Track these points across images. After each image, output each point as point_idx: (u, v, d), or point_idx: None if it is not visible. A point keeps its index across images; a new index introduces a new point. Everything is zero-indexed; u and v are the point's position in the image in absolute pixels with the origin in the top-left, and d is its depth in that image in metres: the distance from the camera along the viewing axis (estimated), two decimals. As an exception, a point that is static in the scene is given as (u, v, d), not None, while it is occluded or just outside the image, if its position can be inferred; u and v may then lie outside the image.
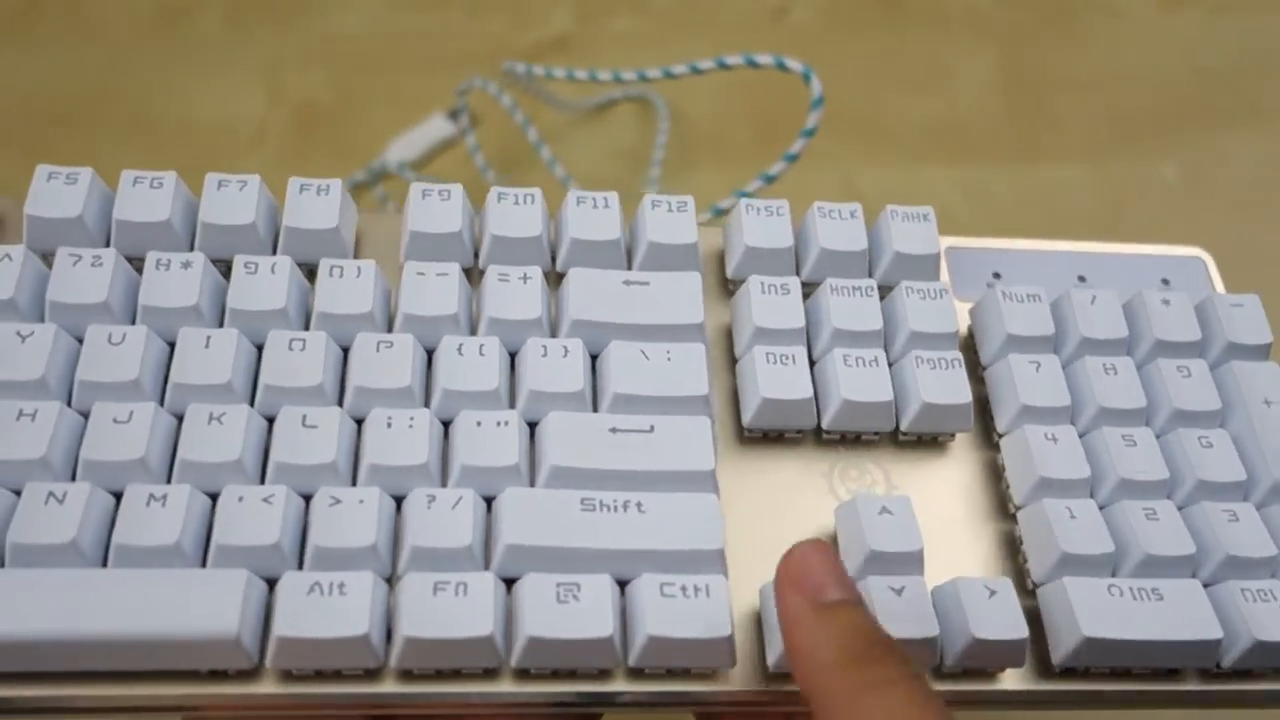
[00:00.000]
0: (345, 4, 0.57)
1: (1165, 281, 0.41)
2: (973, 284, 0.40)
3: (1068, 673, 0.32)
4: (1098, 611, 0.31)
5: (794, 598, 0.27)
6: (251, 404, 0.32)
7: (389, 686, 0.30)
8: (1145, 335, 0.37)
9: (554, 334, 0.35)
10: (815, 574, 0.27)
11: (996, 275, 0.40)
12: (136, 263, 0.34)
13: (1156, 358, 0.36)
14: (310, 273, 0.35)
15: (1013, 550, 0.34)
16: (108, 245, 0.34)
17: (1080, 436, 0.35)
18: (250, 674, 0.29)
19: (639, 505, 0.31)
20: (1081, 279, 0.40)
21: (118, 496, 0.30)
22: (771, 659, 0.30)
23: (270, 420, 0.32)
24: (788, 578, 0.28)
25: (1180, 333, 0.37)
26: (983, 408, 0.36)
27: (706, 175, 0.51)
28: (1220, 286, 0.41)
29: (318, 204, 0.35)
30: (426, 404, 0.33)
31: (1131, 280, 0.40)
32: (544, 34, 0.56)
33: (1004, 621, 0.30)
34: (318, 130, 0.53)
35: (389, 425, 0.32)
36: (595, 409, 0.34)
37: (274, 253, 0.35)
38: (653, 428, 0.33)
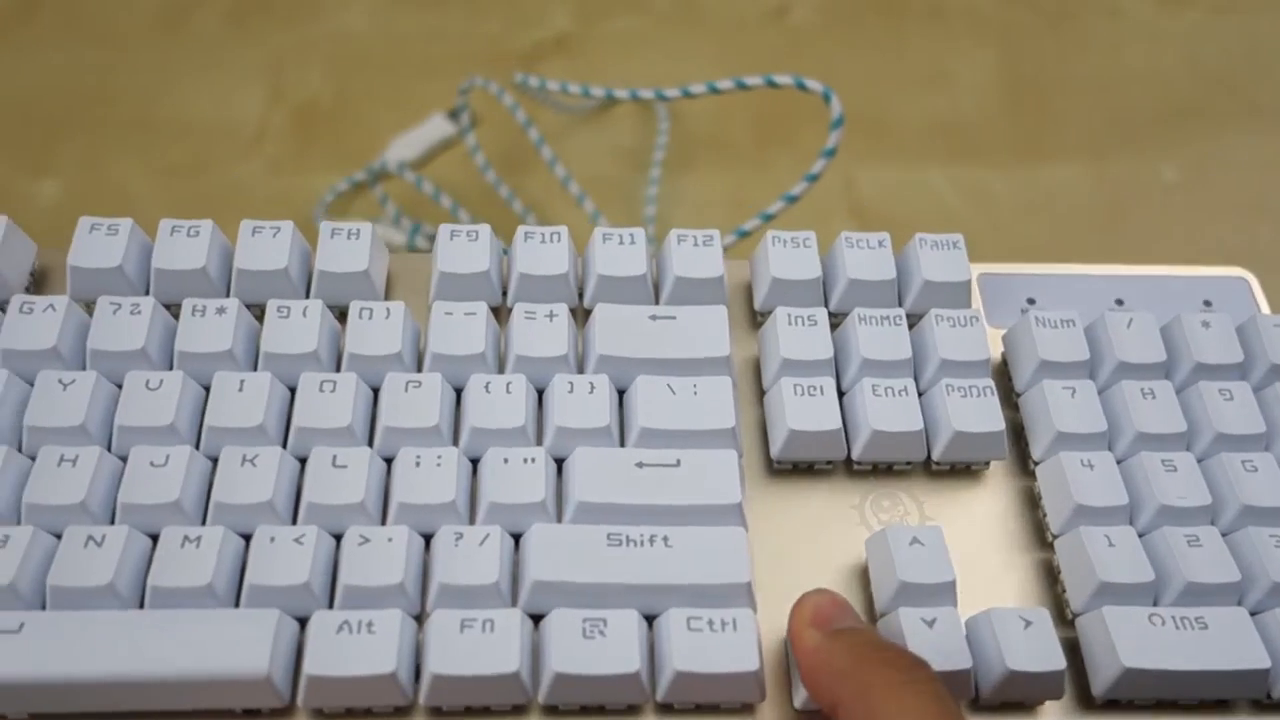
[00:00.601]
0: (345, 4, 0.57)
1: (1207, 303, 0.40)
2: (1006, 311, 0.39)
3: (1110, 705, 0.31)
4: (1138, 642, 0.30)
5: (807, 630, 0.29)
6: (284, 445, 0.33)
7: (421, 724, 0.30)
8: (1184, 358, 0.36)
9: (581, 370, 0.35)
10: (826, 610, 0.29)
11: (1031, 301, 0.39)
12: (175, 309, 0.35)
13: (1197, 381, 0.35)
14: (342, 315, 0.36)
15: (1051, 579, 0.33)
16: (147, 293, 0.35)
17: (1119, 463, 0.34)
18: (283, 713, 0.30)
19: (665, 540, 0.31)
20: (1119, 303, 0.39)
21: (154, 538, 0.31)
22: (799, 700, 0.30)
23: (302, 461, 0.33)
24: (800, 616, 0.29)
25: (1221, 355, 0.36)
26: (1018, 435, 0.36)
27: (707, 176, 0.51)
28: (1265, 307, 0.40)
29: (348, 248, 0.36)
30: (455, 442, 0.33)
31: (1171, 303, 0.39)
32: (544, 34, 0.56)
33: (1040, 653, 0.30)
34: (318, 130, 0.53)
35: (417, 464, 0.32)
36: (622, 443, 0.34)
37: (307, 296, 0.36)
38: (679, 462, 0.33)
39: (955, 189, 0.50)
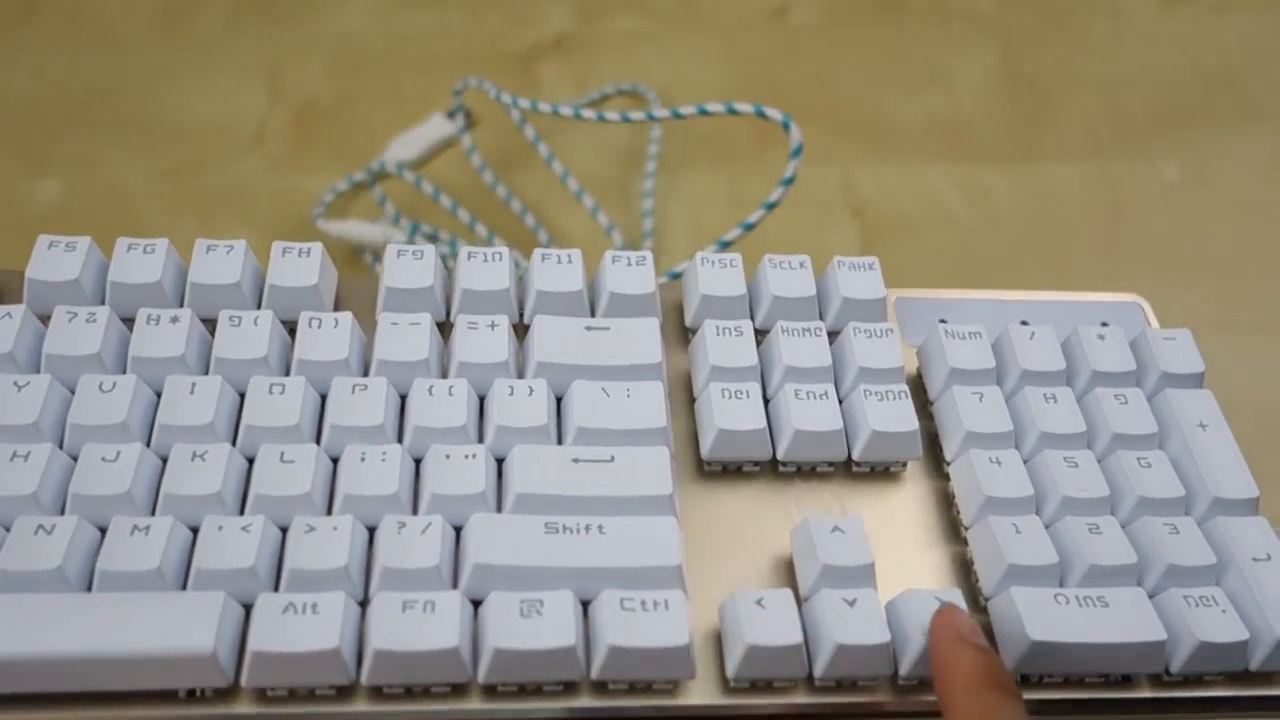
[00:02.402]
0: (345, 4, 0.57)
1: (1104, 324, 0.43)
2: (920, 330, 0.42)
3: (1021, 681, 0.33)
4: (1044, 618, 0.32)
5: (953, 635, 0.31)
6: (234, 444, 0.34)
7: (361, 705, 0.31)
8: (1083, 367, 0.39)
9: (520, 376, 0.37)
10: (969, 624, 0.32)
11: (942, 321, 0.42)
12: (130, 322, 0.36)
13: (1095, 387, 0.38)
14: (292, 330, 0.37)
15: (965, 571, 0.35)
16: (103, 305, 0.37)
17: (1025, 461, 0.37)
18: (227, 693, 0.30)
19: (600, 527, 0.33)
20: (1024, 323, 0.42)
21: (104, 530, 0.32)
22: (730, 669, 0.32)
23: (251, 460, 0.34)
24: (947, 620, 0.32)
25: (1116, 364, 0.39)
26: (933, 441, 0.38)
27: (703, 175, 0.51)
28: (1157, 328, 0.43)
29: (299, 265, 0.38)
30: (400, 441, 0.35)
31: (1071, 323, 0.42)
32: (543, 34, 0.56)
33: (953, 627, 0.31)
34: (317, 130, 0.53)
35: (363, 459, 0.33)
36: (560, 443, 0.35)
37: (258, 309, 0.38)
38: (613, 457, 0.34)
39: (955, 189, 0.50)
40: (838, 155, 0.47)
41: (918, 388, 0.40)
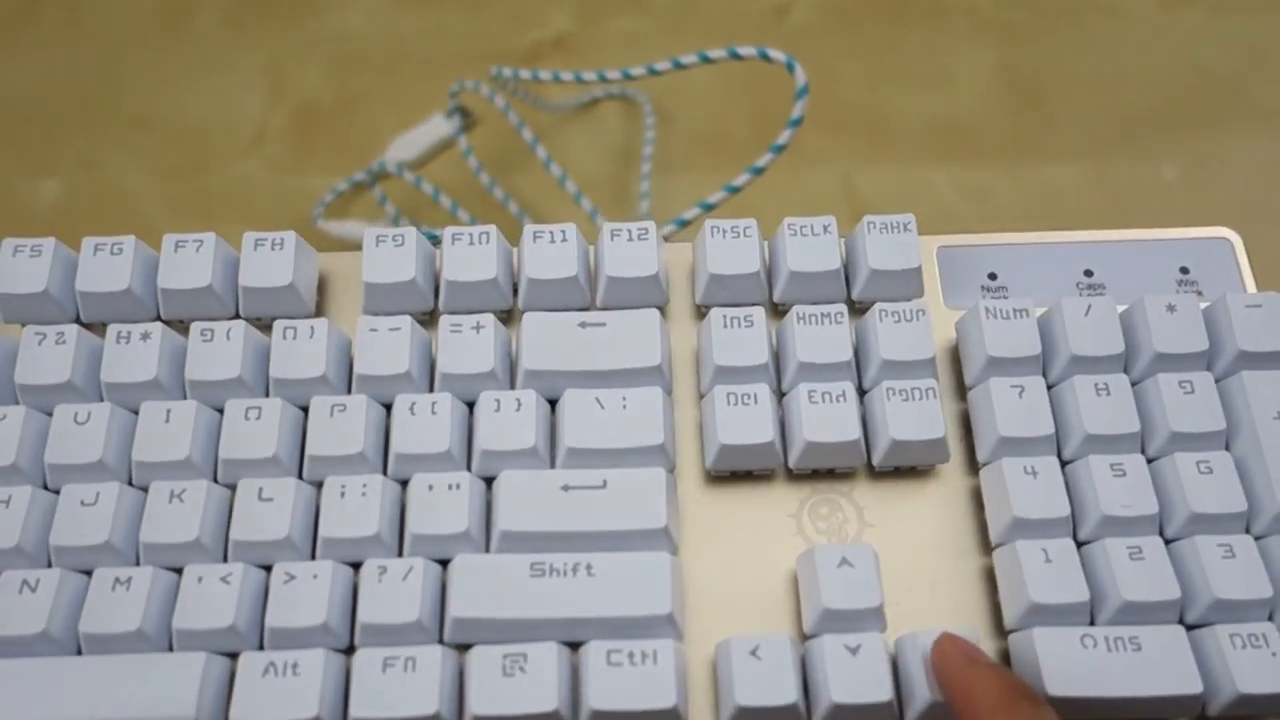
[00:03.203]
0: (345, 4, 0.57)
1: (1184, 270, 0.37)
2: (967, 288, 0.37)
3: (1039, 723, 0.31)
4: (1066, 667, 0.30)
5: (958, 656, 0.29)
6: (214, 476, 0.33)
7: (352, 754, 0.31)
8: (1144, 348, 0.34)
9: (512, 383, 0.34)
10: (971, 647, 0.30)
11: (992, 276, 0.37)
12: (104, 330, 0.34)
13: (1156, 372, 0.34)
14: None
15: (992, 586, 0.33)
16: (77, 313, 0.35)
17: (1066, 464, 0.33)
18: (220, 748, 0.31)
19: (589, 568, 0.31)
20: (1088, 274, 0.37)
21: (89, 572, 0.31)
22: (724, 718, 0.30)
23: (233, 489, 0.33)
24: (945, 646, 0.30)
25: (1185, 343, 0.34)
26: (968, 429, 0.35)
27: (700, 175, 0.50)
28: (1248, 271, 0.37)
29: (272, 260, 0.35)
30: (384, 465, 0.33)
31: (1146, 272, 0.37)
32: (543, 34, 0.55)
33: (963, 682, 0.29)
34: (317, 130, 0.53)
35: (342, 495, 0.32)
36: (553, 462, 0.33)
37: (235, 308, 0.35)
38: (605, 483, 0.32)
39: (955, 189, 0.50)
40: (837, 155, 0.45)
41: (957, 359, 0.36)
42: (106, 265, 0.35)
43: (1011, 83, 0.52)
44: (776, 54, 0.39)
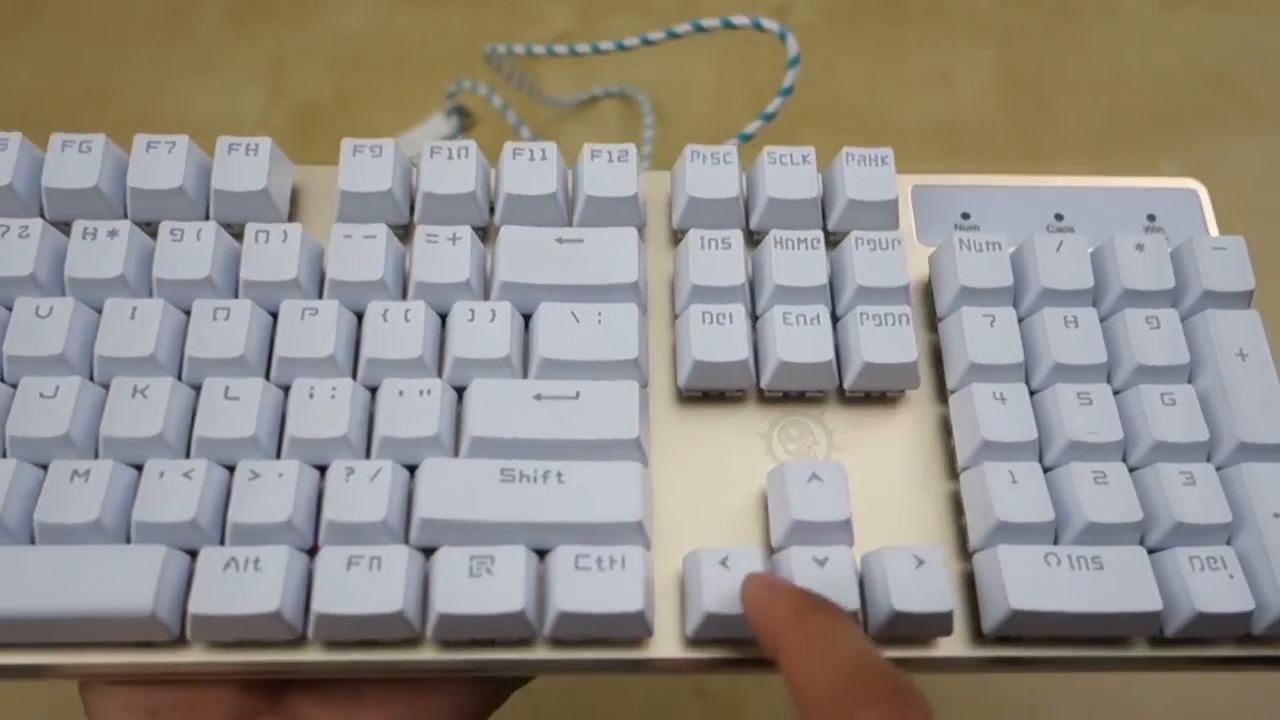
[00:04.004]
0: (345, 3, 0.57)
1: (1151, 218, 0.38)
2: (940, 226, 0.38)
3: (1001, 640, 0.31)
4: (1029, 582, 0.30)
5: (753, 582, 0.29)
6: (179, 375, 0.32)
7: (313, 655, 0.30)
8: (1113, 284, 0.35)
9: (486, 295, 0.34)
10: (769, 575, 0.29)
11: (965, 216, 0.38)
12: (69, 228, 0.34)
13: (1124, 308, 0.34)
14: (242, 235, 0.34)
15: (959, 511, 0.33)
16: (40, 211, 0.34)
17: (1033, 394, 0.33)
18: (178, 642, 0.30)
19: (559, 475, 0.31)
20: (1058, 218, 0.38)
21: (46, 467, 0.31)
22: (690, 628, 0.30)
23: (198, 390, 0.32)
24: (748, 578, 0.29)
25: (1152, 280, 0.34)
26: (938, 359, 0.35)
27: None
28: (1212, 221, 0.38)
29: (246, 164, 0.35)
30: (354, 371, 0.33)
31: (1115, 217, 0.38)
32: (544, 33, 0.56)
33: (928, 594, 0.30)
34: (317, 130, 0.53)
35: (311, 396, 0.32)
36: (525, 373, 0.33)
37: (206, 213, 0.35)
38: (578, 394, 0.32)
39: None
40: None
41: (928, 297, 0.36)
42: (74, 162, 0.34)
43: (1011, 83, 0.53)
44: (769, 23, 0.40)
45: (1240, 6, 0.55)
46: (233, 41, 0.56)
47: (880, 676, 0.24)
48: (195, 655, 0.30)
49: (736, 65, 0.44)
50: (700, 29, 0.41)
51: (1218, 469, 0.32)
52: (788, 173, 0.35)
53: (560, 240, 0.34)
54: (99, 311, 0.33)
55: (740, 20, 0.40)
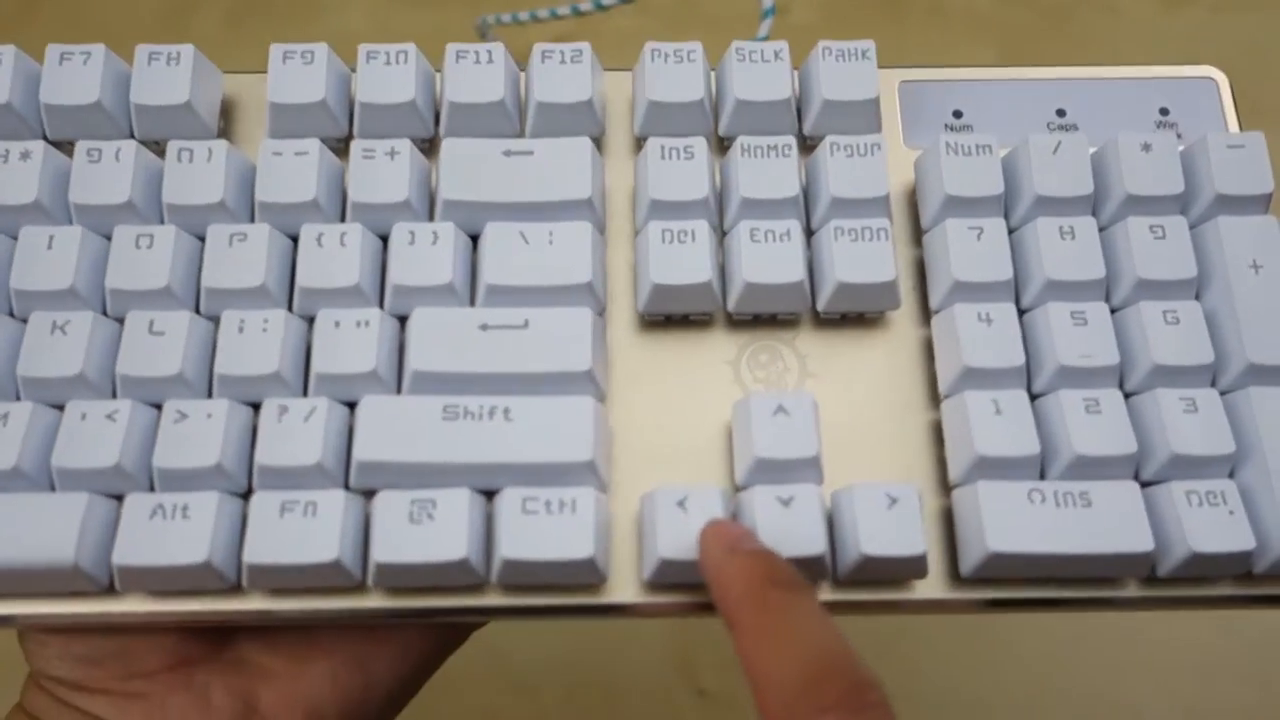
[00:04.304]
0: (345, 3, 0.57)
1: (1164, 111, 0.35)
2: (929, 127, 0.34)
3: (980, 581, 0.29)
4: (1010, 522, 0.28)
5: (712, 550, 0.27)
6: (102, 310, 0.30)
7: (254, 603, 0.29)
8: (1115, 189, 0.31)
9: (431, 215, 0.32)
10: (732, 531, 0.27)
11: (958, 115, 0.35)
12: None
13: (1127, 215, 0.31)
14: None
15: (940, 442, 0.31)
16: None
17: (1023, 313, 0.31)
18: (108, 591, 0.29)
19: (506, 412, 0.29)
20: (1060, 114, 0.35)
21: (-33, 413, 0.29)
22: (647, 572, 0.28)
23: (121, 322, 0.30)
24: (706, 536, 0.27)
25: (1159, 185, 0.31)
26: (923, 277, 0.32)
27: None
28: (1232, 115, 0.35)
29: (168, 75, 0.32)
30: (289, 301, 0.31)
31: (1123, 112, 0.35)
32: (543, 33, 0.54)
33: (900, 535, 0.28)
34: None
35: (241, 330, 0.29)
36: (472, 300, 0.31)
37: (130, 131, 0.32)
38: (527, 323, 0.30)
39: None
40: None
41: (914, 206, 0.33)
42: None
43: None
44: None
45: (1240, 6, 0.55)
46: (233, 42, 0.56)
47: (838, 675, 0.23)
48: (129, 605, 0.29)
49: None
50: None
51: (1222, 394, 0.30)
52: (758, 71, 0.32)
53: (508, 153, 0.31)
54: (14, 239, 0.30)
55: None
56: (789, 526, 0.28)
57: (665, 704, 0.46)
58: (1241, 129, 0.34)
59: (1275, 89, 0.51)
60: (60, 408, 0.29)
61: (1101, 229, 0.31)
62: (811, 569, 0.28)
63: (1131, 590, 0.29)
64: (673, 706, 0.46)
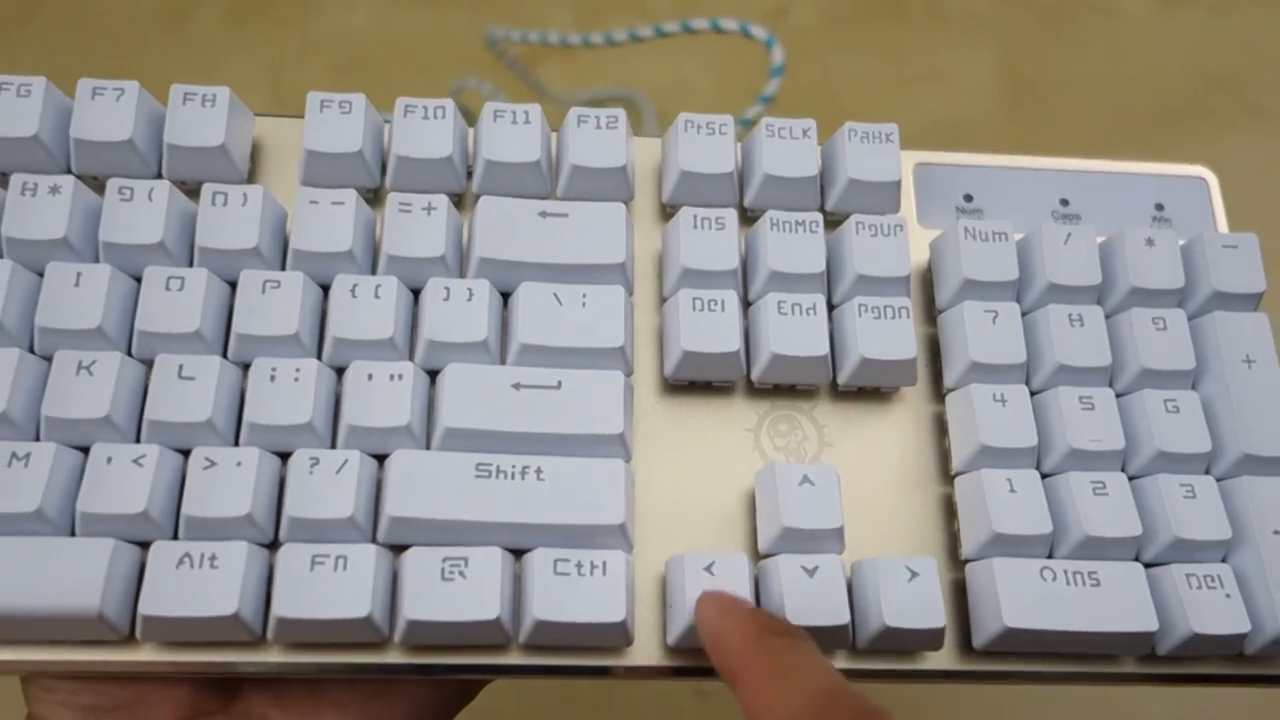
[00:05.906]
0: (345, 3, 0.56)
1: (1159, 207, 0.37)
2: (942, 208, 0.36)
3: (990, 654, 0.30)
4: (1024, 599, 0.29)
5: (708, 610, 0.27)
6: (128, 350, 0.30)
7: (273, 656, 0.28)
8: (1120, 281, 0.33)
9: (463, 270, 0.32)
10: (725, 598, 0.28)
11: (968, 198, 0.36)
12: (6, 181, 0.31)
13: (1131, 306, 0.33)
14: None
15: (951, 515, 0.32)
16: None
17: (1034, 394, 0.32)
18: (128, 641, 0.28)
19: (538, 472, 0.29)
20: (1064, 203, 0.36)
21: (-16, 450, 0.28)
22: (672, 636, 0.29)
23: (150, 366, 0.30)
24: (702, 600, 0.28)
25: (1161, 279, 0.33)
26: (936, 354, 0.34)
27: None
28: (1221, 213, 0.37)
29: (202, 117, 0.32)
30: (319, 350, 0.31)
31: (1121, 204, 0.36)
32: (550, 50, 0.55)
33: (920, 608, 0.28)
34: None
35: (272, 378, 0.29)
36: (503, 358, 0.31)
37: (159, 170, 0.32)
38: (560, 384, 0.30)
39: None
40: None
41: (929, 283, 0.34)
42: (11, 108, 0.31)
43: (1011, 83, 0.53)
44: (758, 30, 0.39)
45: (1240, 6, 0.55)
46: (233, 42, 0.55)
47: (847, 707, 0.23)
48: (146, 654, 0.28)
49: (738, 71, 0.44)
50: (689, 30, 0.40)
51: (1218, 480, 0.31)
52: (786, 147, 0.33)
53: (544, 214, 0.32)
54: (40, 275, 0.30)
55: (729, 25, 0.39)
56: (814, 595, 0.28)
57: (665, 704, 0.46)
58: (1230, 228, 0.36)
59: (1275, 89, 0.52)
60: (82, 449, 0.29)
61: (1107, 316, 0.33)
62: (831, 638, 0.29)
63: (1130, 667, 0.31)
64: (673, 706, 0.46)
